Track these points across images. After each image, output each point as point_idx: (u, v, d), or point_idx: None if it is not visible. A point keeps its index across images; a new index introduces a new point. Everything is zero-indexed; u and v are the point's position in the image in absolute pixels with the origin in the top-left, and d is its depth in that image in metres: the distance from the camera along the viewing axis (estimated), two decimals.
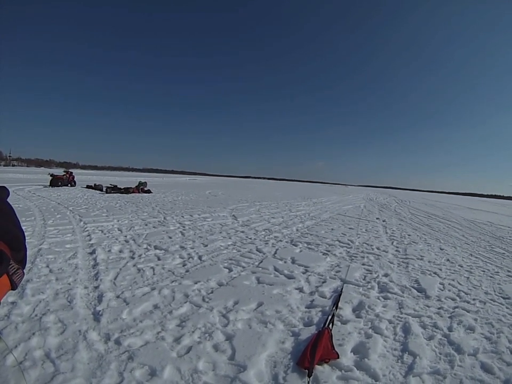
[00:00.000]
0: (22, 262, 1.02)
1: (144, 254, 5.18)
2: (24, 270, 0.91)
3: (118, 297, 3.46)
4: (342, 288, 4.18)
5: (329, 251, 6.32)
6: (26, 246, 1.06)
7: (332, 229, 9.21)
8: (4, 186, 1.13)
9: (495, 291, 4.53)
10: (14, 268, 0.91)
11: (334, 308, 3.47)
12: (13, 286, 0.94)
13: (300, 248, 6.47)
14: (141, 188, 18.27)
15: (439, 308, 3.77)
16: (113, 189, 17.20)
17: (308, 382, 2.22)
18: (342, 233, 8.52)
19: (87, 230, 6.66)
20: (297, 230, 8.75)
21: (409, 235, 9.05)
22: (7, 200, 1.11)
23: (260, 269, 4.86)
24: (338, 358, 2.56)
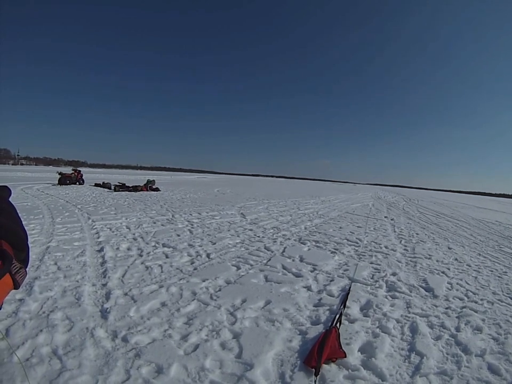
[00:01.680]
0: (24, 261, 1.02)
1: (152, 251, 5.20)
2: (31, 268, 0.92)
3: (125, 294, 3.48)
4: (350, 287, 4.17)
5: (337, 249, 6.30)
6: (29, 246, 1.06)
7: (340, 227, 9.18)
8: (5, 186, 1.13)
9: (503, 291, 4.48)
10: (17, 267, 0.91)
11: (341, 307, 3.46)
12: (16, 285, 0.94)
13: (308, 246, 6.46)
14: (149, 186, 18.31)
15: (446, 308, 3.74)
16: (122, 187, 17.27)
17: (315, 381, 2.21)
18: (350, 232, 8.49)
19: (95, 228, 6.70)
20: (305, 228, 8.73)
21: (417, 234, 8.99)
22: (9, 199, 1.11)
23: (268, 267, 4.86)
24: (345, 357, 2.55)
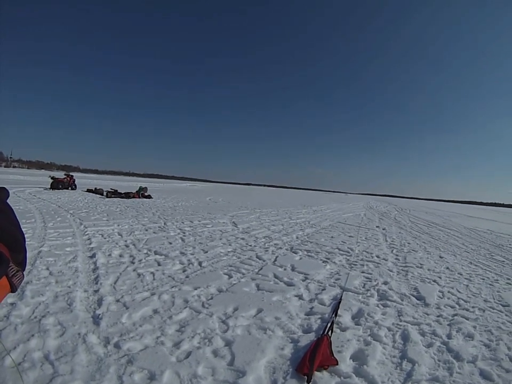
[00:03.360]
0: (21, 264, 1.02)
1: (144, 259, 5.18)
2: (24, 272, 0.91)
3: (117, 301, 3.47)
4: (341, 296, 4.18)
5: (329, 259, 6.32)
6: (26, 248, 1.06)
7: (332, 237, 9.21)
8: (3, 187, 1.13)
9: (494, 299, 4.54)
10: (14, 270, 0.91)
11: (333, 315, 3.47)
12: (13, 288, 0.94)
13: (300, 255, 6.47)
14: (141, 193, 18.26)
15: (438, 316, 3.77)
16: (114, 194, 17.21)
17: None
18: (342, 241, 8.52)
19: (87, 234, 6.67)
20: (297, 237, 8.74)
21: (409, 243, 9.05)
22: (7, 201, 1.11)
23: (260, 275, 4.86)
24: (337, 364, 2.57)
